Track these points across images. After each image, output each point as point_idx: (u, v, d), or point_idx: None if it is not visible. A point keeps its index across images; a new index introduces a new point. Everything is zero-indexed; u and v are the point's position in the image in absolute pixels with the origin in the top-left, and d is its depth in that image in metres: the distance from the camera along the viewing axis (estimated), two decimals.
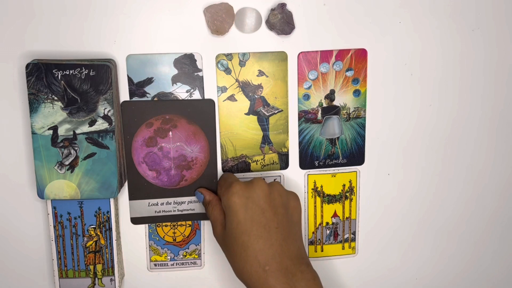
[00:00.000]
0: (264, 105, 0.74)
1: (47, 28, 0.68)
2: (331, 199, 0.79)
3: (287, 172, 0.77)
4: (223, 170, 0.75)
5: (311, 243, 0.80)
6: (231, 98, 0.73)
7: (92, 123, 0.68)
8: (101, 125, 0.68)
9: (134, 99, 0.71)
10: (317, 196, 0.78)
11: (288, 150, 0.76)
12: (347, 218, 0.80)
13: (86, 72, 0.67)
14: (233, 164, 0.75)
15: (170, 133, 0.72)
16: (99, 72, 0.67)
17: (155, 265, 0.78)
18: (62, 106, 0.67)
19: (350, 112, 0.76)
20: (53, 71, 0.66)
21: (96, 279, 0.74)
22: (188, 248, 0.77)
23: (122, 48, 0.69)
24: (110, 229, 0.73)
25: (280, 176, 0.77)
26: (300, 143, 0.76)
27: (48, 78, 0.66)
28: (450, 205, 0.82)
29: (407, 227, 0.82)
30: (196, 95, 0.72)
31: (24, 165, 0.72)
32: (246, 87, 0.73)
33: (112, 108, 0.68)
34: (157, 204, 0.74)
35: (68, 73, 0.66)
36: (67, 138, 0.68)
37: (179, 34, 0.70)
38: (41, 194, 0.69)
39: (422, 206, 0.81)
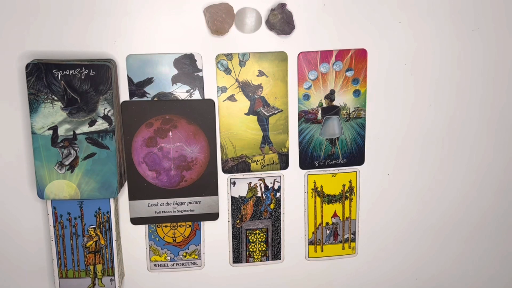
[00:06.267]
0: (264, 105, 0.74)
1: (47, 28, 0.68)
2: (331, 199, 0.79)
3: (287, 172, 0.77)
4: (223, 170, 0.75)
5: (311, 243, 0.79)
6: (231, 98, 0.73)
7: (92, 123, 0.68)
8: (101, 125, 0.68)
9: (134, 99, 0.71)
10: (317, 196, 0.78)
11: (288, 150, 0.76)
12: (347, 218, 0.80)
13: (86, 72, 0.67)
14: (233, 164, 0.75)
15: (170, 133, 0.72)
16: (99, 72, 0.67)
17: (155, 265, 0.77)
18: (62, 106, 0.67)
19: (350, 112, 0.76)
20: (53, 71, 0.66)
21: (96, 279, 0.74)
22: (188, 249, 0.77)
23: (122, 48, 0.69)
24: (110, 229, 0.73)
25: (280, 176, 0.77)
26: (300, 143, 0.76)
27: (48, 78, 0.66)
28: (450, 205, 0.82)
29: (407, 227, 0.82)
30: (196, 95, 0.72)
31: (24, 165, 0.72)
32: (246, 87, 0.73)
33: (112, 108, 0.68)
34: (157, 205, 0.74)
35: (68, 73, 0.66)
36: (67, 138, 0.68)
37: (179, 34, 0.70)
38: (41, 194, 0.69)
39: (422, 206, 0.81)
